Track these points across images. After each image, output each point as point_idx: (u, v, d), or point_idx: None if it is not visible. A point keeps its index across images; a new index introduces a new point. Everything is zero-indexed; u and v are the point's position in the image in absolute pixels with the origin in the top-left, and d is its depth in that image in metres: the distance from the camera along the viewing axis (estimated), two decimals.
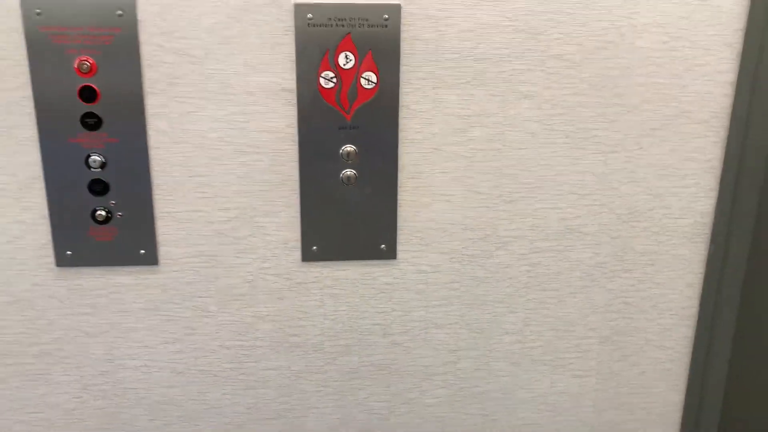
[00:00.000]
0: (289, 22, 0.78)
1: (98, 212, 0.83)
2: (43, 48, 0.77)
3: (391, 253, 0.89)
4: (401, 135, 0.84)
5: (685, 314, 0.97)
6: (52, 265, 0.85)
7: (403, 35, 0.80)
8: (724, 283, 0.95)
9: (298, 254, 0.88)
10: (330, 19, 0.78)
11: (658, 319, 0.97)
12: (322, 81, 0.81)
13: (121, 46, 0.78)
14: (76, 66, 0.78)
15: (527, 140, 0.86)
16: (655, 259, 0.94)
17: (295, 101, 0.81)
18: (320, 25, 0.78)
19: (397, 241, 0.88)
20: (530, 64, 0.83)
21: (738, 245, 0.93)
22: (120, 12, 0.77)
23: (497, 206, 0.89)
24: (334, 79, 0.81)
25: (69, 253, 0.84)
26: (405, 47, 0.80)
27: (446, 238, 0.89)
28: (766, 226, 0.93)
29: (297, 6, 0.77)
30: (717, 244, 0.93)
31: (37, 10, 0.76)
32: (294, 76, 0.80)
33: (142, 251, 0.85)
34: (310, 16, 0.78)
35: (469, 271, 0.91)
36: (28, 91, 0.78)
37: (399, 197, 0.86)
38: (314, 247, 0.88)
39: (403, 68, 0.81)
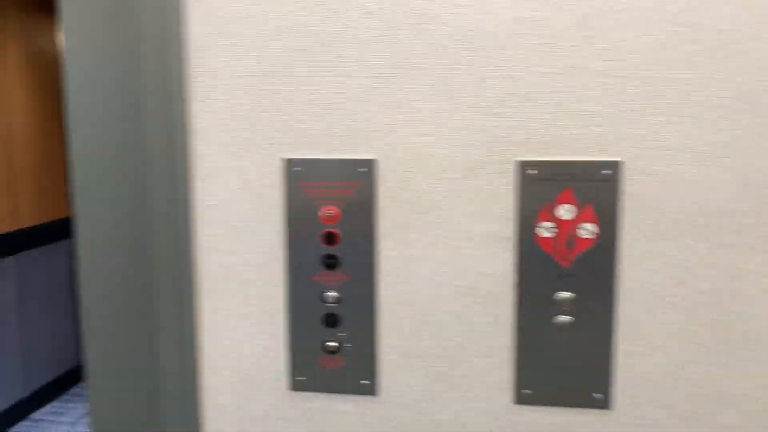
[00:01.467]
0: (511, 177, 0.84)
1: (329, 343, 0.92)
2: (298, 199, 0.90)
3: (605, 403, 0.87)
4: (619, 284, 0.84)
5: None
6: (286, 389, 0.94)
7: (624, 189, 0.82)
8: None
9: (509, 396, 0.89)
10: (551, 174, 0.83)
11: None
12: (540, 230, 0.85)
13: (361, 198, 0.88)
14: (322, 215, 0.89)
15: (760, 297, 0.82)
16: None
17: (513, 248, 0.86)
18: (541, 180, 0.83)
19: (612, 390, 0.86)
20: (766, 219, 0.80)
21: None
22: (362, 169, 0.88)
23: (724, 362, 0.84)
24: (553, 229, 0.84)
25: (301, 378, 0.93)
26: (625, 201, 0.82)
27: (664, 391, 0.86)
28: None
29: (520, 163, 0.83)
30: None
31: (297, 169, 0.89)
32: (513, 225, 0.85)
33: (365, 381, 0.92)
34: (531, 171, 0.83)
35: (690, 430, 0.86)
36: (282, 235, 0.91)
37: (615, 346, 0.85)
38: (526, 390, 0.88)
39: (622, 220, 0.83)
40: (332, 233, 0.90)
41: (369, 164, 0.87)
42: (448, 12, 0.83)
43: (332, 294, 0.91)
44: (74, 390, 4.61)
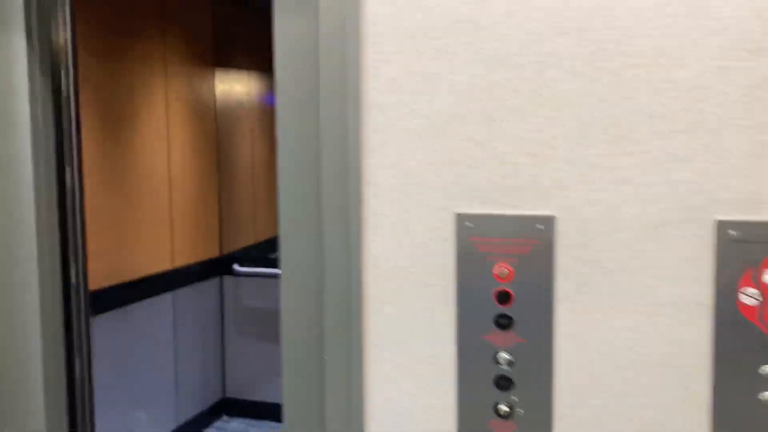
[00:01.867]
0: (709, 238, 0.77)
1: (501, 406, 0.87)
2: (469, 255, 0.87)
3: None
4: None
5: None
6: None
7: None
8: None
9: None
10: (756, 235, 0.75)
11: None
12: (742, 297, 0.77)
13: (538, 256, 0.84)
14: (495, 272, 0.86)
15: None
16: None
17: (709, 316, 0.78)
18: (744, 242, 0.76)
19: None
20: None
21: None
22: (540, 226, 0.84)
23: None
24: (758, 296, 0.76)
25: None
26: None
27: None
28: None
29: (720, 222, 0.76)
30: None
31: (469, 224, 0.87)
32: (710, 290, 0.78)
33: None
34: (733, 232, 0.76)
35: None
36: (452, 291, 0.89)
37: None
38: None
39: None
40: (506, 292, 0.86)
41: (548, 221, 0.84)
42: (636, 63, 0.79)
43: (505, 355, 0.87)
44: (218, 423, 4.81)
